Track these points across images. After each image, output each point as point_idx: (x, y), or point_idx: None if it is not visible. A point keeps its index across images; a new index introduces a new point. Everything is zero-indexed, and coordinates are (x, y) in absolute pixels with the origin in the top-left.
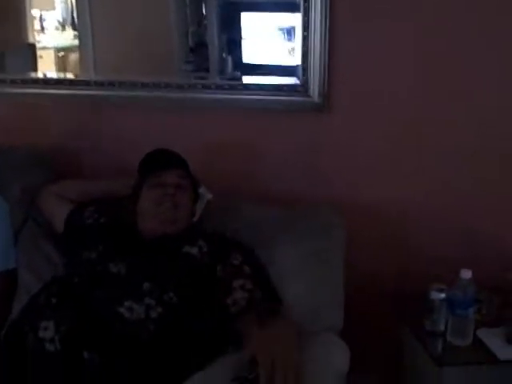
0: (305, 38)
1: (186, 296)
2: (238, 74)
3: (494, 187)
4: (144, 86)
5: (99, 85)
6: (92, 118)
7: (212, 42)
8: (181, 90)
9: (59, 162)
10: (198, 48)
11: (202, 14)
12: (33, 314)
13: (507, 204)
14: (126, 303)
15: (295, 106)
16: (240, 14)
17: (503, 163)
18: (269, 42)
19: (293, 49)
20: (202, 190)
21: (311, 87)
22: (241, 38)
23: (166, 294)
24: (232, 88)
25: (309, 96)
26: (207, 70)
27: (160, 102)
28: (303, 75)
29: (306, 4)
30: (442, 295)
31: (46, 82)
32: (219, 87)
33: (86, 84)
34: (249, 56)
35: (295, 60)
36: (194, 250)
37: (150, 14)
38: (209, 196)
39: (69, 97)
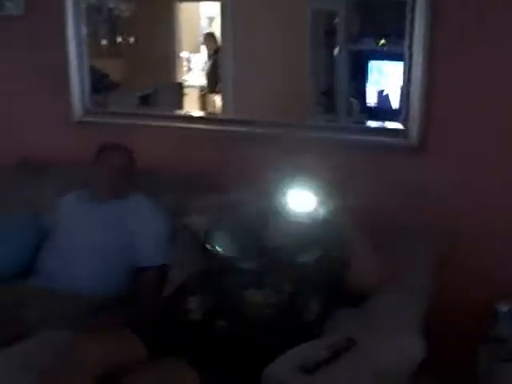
0: (406, 85)
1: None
2: (363, 116)
3: None
4: (279, 125)
5: (238, 123)
6: (229, 151)
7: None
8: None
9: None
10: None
11: (333, 60)
12: (184, 291)
13: None
14: (250, 290)
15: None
16: (368, 62)
17: None
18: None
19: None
20: None
21: (411, 130)
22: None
23: (281, 286)
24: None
25: (408, 137)
26: (335, 112)
27: (290, 141)
28: (404, 120)
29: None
30: (507, 308)
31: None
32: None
33: (227, 121)
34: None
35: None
36: (309, 258)
37: (289, 65)
38: None
39: (210, 132)
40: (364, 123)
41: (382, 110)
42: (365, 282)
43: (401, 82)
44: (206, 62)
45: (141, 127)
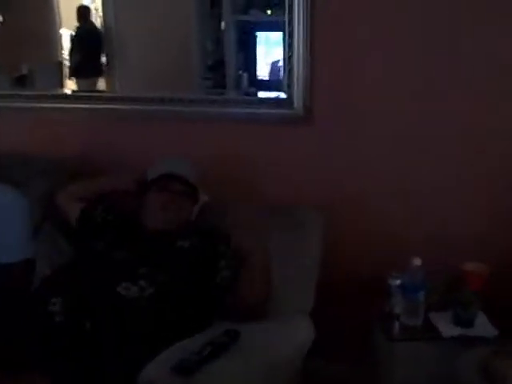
0: (290, 57)
1: (176, 277)
2: (254, 89)
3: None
4: (164, 100)
5: (122, 100)
6: (112, 130)
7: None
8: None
9: (77, 170)
10: (216, 66)
11: (220, 32)
12: (44, 291)
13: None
14: (123, 284)
15: (281, 118)
16: (255, 33)
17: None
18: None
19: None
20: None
21: (295, 100)
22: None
23: (157, 277)
24: (246, 102)
25: (293, 109)
26: (224, 87)
27: (178, 115)
28: (288, 90)
29: (290, 27)
30: (398, 281)
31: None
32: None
33: (110, 99)
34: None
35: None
36: (187, 244)
37: (172, 36)
38: (205, 198)
39: (93, 111)
40: (255, 96)
41: (274, 81)
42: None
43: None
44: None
45: (13, 110)
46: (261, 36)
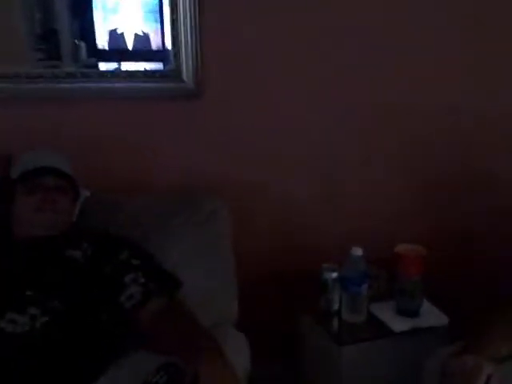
0: (173, 21)
1: (73, 302)
2: (94, 60)
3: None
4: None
5: None
6: None
7: (62, 28)
8: (32, 81)
9: None
10: (48, 35)
11: None
12: None
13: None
14: (8, 315)
15: (168, 92)
16: None
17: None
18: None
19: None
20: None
21: (184, 72)
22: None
23: (50, 302)
24: (86, 76)
25: (182, 81)
26: (59, 58)
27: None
28: (175, 60)
29: None
30: (335, 274)
31: None
32: (71, 75)
33: None
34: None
35: (166, 43)
36: (78, 254)
37: None
38: (86, 193)
39: None
40: (95, 67)
41: (117, 51)
42: None
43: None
44: None
45: None
46: (97, 1)
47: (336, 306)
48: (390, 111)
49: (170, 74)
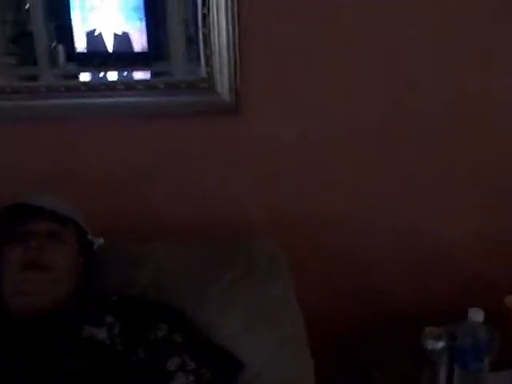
0: (205, 17)
1: None
2: (73, 65)
3: None
4: None
5: None
6: None
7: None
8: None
9: None
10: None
11: None
12: None
13: None
14: None
15: (198, 107)
16: None
17: None
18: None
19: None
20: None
21: (218, 82)
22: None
23: None
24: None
25: (216, 93)
26: (35, 63)
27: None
28: (207, 66)
29: None
30: (441, 344)
31: None
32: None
33: None
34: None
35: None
36: (101, 333)
37: None
38: (99, 241)
39: None
40: (77, 75)
41: (97, 54)
42: None
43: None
44: None
45: None
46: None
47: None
48: None
49: (200, 84)
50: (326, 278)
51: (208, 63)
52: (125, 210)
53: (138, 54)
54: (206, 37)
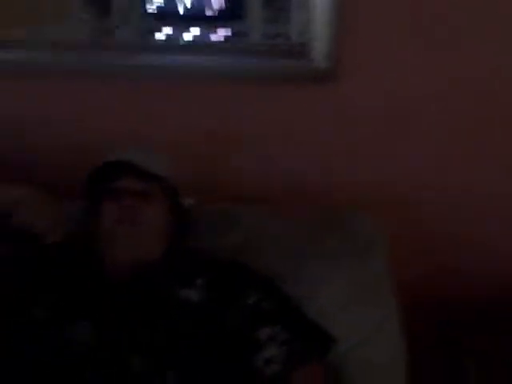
0: None
1: (196, 370)
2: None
3: None
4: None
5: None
6: None
7: None
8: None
9: None
10: None
11: None
12: None
13: None
14: None
15: (290, 73)
16: None
17: None
18: None
19: None
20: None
21: (316, 47)
22: None
23: (164, 374)
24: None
25: (310, 59)
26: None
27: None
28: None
29: None
30: None
31: None
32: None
33: None
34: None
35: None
36: (194, 295)
37: None
38: (190, 201)
39: None
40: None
41: (172, 13)
42: None
43: None
44: None
45: None
46: None
47: None
48: None
49: (293, 48)
50: (426, 257)
51: (303, 27)
52: (206, 175)
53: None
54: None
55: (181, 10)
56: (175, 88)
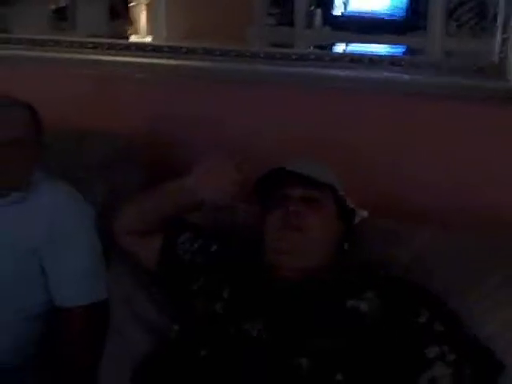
0: None
1: (360, 376)
2: (328, 28)
3: None
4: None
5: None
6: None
7: None
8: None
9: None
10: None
11: None
12: None
13: None
14: None
15: (479, 92)
16: None
17: None
18: None
19: None
20: (361, 212)
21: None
22: None
23: (332, 376)
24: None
25: (505, 79)
26: (291, 24)
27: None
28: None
29: None
30: None
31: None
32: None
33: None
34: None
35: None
36: (363, 305)
37: None
38: (363, 214)
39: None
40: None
41: (353, 19)
42: None
43: None
44: None
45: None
46: None
47: None
48: None
49: (487, 68)
50: None
51: (503, 45)
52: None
53: (396, 21)
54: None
55: None
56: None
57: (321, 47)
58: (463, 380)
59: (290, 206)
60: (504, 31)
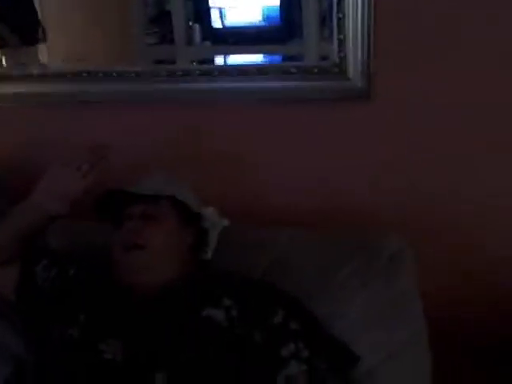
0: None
1: None
2: (208, 43)
3: None
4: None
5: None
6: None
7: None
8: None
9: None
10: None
11: None
12: None
13: None
14: None
15: (328, 93)
16: None
17: None
18: None
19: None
20: (208, 213)
21: (351, 66)
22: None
23: None
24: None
25: (347, 79)
26: (172, 42)
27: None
28: (339, 50)
29: None
30: None
31: None
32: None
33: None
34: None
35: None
36: (219, 314)
37: None
38: (224, 222)
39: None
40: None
41: (231, 32)
42: None
43: None
44: None
45: None
46: None
47: None
48: None
49: (332, 68)
50: (453, 275)
51: (340, 47)
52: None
53: (272, 30)
54: (340, 20)
55: None
56: (227, 110)
57: (202, 62)
58: (319, 375)
59: (130, 224)
60: (339, 32)
